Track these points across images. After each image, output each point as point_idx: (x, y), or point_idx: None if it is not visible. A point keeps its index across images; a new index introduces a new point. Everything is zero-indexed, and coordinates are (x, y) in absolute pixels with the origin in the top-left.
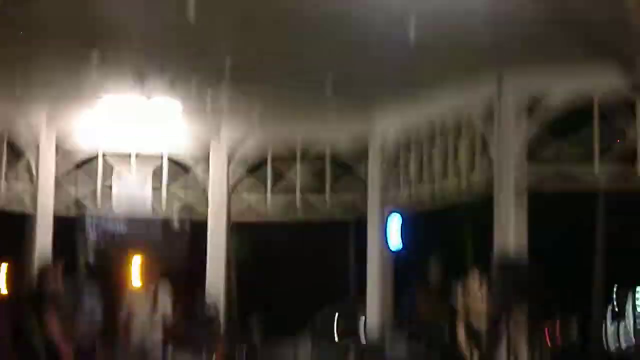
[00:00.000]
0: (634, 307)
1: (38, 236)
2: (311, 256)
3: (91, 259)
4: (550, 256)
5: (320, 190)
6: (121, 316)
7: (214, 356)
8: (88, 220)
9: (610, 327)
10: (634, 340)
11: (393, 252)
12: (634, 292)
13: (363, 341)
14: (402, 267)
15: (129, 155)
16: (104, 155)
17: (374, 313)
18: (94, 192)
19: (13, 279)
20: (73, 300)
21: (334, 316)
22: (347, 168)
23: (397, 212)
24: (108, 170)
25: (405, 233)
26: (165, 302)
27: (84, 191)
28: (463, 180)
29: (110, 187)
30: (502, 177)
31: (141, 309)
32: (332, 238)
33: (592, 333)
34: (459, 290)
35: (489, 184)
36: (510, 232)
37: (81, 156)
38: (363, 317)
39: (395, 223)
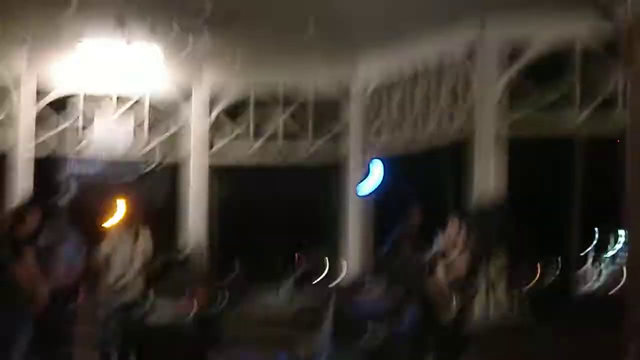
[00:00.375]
0: (613, 249)
1: (18, 177)
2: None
3: (70, 201)
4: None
5: (302, 135)
6: (99, 260)
7: (195, 301)
8: (68, 162)
9: (590, 270)
10: (612, 281)
11: (370, 196)
12: (615, 235)
13: (343, 285)
14: (383, 212)
15: (110, 97)
16: (84, 97)
17: (354, 258)
18: (74, 133)
19: None
20: (52, 243)
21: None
22: (328, 112)
23: (378, 157)
24: (88, 112)
25: (386, 178)
26: (146, 246)
27: (63, 133)
28: (444, 124)
29: (91, 129)
30: (482, 122)
31: (121, 252)
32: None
33: (571, 276)
34: (439, 235)
35: (470, 129)
36: (489, 177)
37: (61, 98)
38: (344, 262)
39: (376, 167)
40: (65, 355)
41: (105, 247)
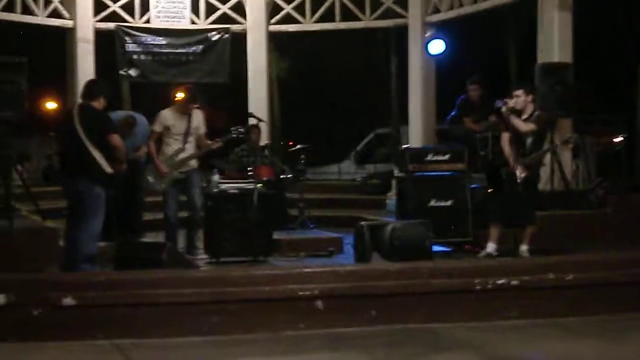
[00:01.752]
0: None
1: (79, 50)
2: (352, 67)
3: (132, 73)
4: (595, 61)
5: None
6: (153, 134)
7: (260, 172)
8: (126, 34)
9: None
10: None
11: (434, 56)
12: None
13: (407, 153)
14: (444, 77)
15: None
16: None
17: (416, 127)
18: (131, 4)
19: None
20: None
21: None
22: None
23: (437, 20)
24: None
25: (446, 40)
26: (199, 123)
27: (121, 3)
28: None
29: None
30: None
31: (176, 128)
32: (373, 47)
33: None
34: (504, 101)
35: None
36: (554, 37)
37: None
38: (407, 131)
39: (436, 30)
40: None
41: (160, 123)
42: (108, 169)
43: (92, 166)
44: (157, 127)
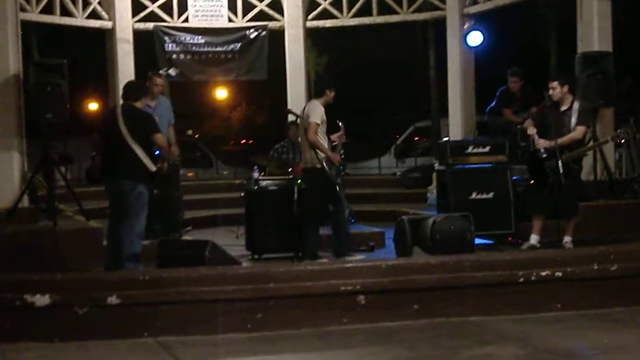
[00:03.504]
0: None
1: (118, 51)
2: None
3: (172, 72)
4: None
5: None
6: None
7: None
8: (165, 34)
9: None
10: None
11: (472, 48)
12: None
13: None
14: (483, 68)
15: None
16: None
17: (456, 119)
18: (169, 4)
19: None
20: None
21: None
22: None
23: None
24: None
25: (484, 32)
26: None
27: (159, 3)
28: None
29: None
30: None
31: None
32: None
33: None
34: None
35: None
36: (594, 26)
37: None
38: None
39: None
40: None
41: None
42: (152, 168)
43: (137, 165)
44: (320, 120)
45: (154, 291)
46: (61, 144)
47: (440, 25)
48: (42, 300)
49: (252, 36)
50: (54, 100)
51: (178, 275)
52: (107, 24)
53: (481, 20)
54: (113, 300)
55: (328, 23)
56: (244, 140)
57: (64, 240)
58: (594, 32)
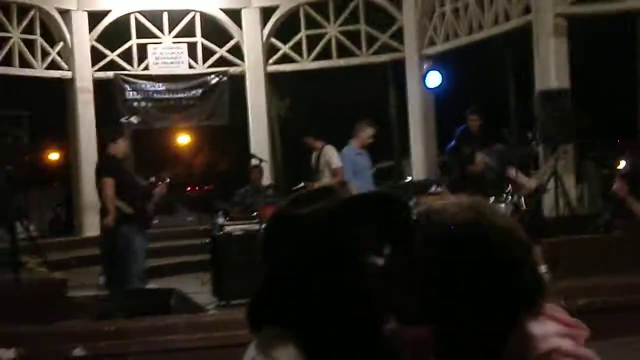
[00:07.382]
0: None
1: (79, 100)
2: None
3: (134, 120)
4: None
5: (355, 34)
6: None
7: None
8: (125, 82)
9: None
10: None
11: (432, 89)
12: None
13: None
14: (443, 108)
15: (161, 13)
16: (136, 15)
17: (418, 159)
18: (129, 52)
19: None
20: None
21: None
22: (382, 9)
23: (433, 52)
24: (141, 29)
25: (443, 72)
26: None
27: (119, 51)
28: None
29: (145, 46)
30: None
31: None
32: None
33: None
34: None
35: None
36: (550, 65)
37: (113, 17)
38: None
39: (431, 63)
40: None
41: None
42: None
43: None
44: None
45: (121, 342)
46: (21, 196)
47: (400, 66)
48: (7, 354)
49: (213, 82)
50: (13, 152)
51: (144, 325)
52: (67, 74)
53: (440, 61)
54: (79, 352)
55: (289, 67)
56: (206, 186)
57: (26, 292)
58: (551, 69)
